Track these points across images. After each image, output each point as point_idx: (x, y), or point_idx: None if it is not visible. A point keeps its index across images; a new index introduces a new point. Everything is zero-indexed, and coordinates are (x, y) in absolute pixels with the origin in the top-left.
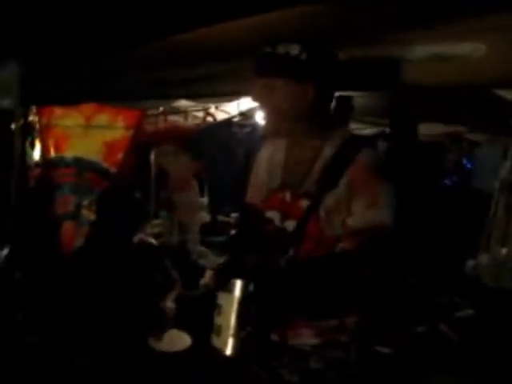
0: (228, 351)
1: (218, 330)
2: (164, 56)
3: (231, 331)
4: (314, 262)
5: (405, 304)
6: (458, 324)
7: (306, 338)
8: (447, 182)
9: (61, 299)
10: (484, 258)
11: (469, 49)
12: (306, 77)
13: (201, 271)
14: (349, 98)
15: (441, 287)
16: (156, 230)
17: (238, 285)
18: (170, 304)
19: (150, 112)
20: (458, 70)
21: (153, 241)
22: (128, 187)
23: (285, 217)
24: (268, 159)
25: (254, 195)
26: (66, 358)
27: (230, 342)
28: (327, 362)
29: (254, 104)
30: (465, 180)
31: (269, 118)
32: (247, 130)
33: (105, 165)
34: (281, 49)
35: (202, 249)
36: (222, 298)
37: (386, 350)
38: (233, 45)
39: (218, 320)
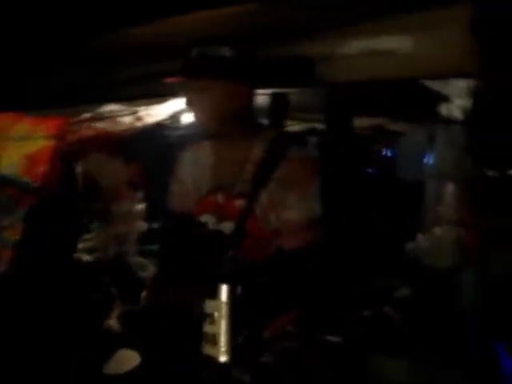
0: (225, 358)
1: (213, 339)
2: (88, 59)
3: (227, 338)
4: (257, 263)
5: (349, 291)
6: (399, 306)
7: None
8: (374, 172)
9: None
10: (421, 240)
11: (396, 43)
12: (240, 77)
13: (142, 284)
14: (284, 95)
15: (381, 272)
16: (88, 245)
17: (226, 290)
18: (112, 323)
19: (75, 119)
20: (386, 64)
21: (86, 257)
22: (55, 202)
23: (220, 219)
24: (193, 164)
25: (180, 202)
26: None
27: (228, 350)
28: (277, 355)
29: (183, 106)
30: (390, 169)
31: (206, 121)
32: (179, 132)
33: (25, 179)
34: (215, 50)
35: (141, 260)
36: (210, 306)
37: (335, 339)
38: (161, 46)
39: (210, 329)
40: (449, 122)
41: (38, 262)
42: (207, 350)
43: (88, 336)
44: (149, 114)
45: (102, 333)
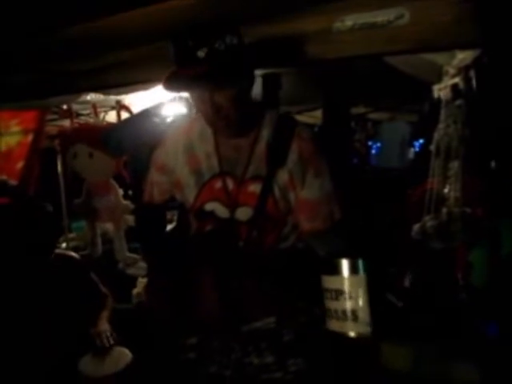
0: (368, 332)
1: (354, 315)
2: (65, 46)
3: (368, 311)
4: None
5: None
6: (401, 292)
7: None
8: (357, 161)
9: None
10: (428, 220)
11: (393, 15)
12: (249, 67)
13: (131, 281)
14: (277, 76)
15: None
16: (73, 245)
17: (347, 264)
18: (104, 327)
19: (53, 110)
20: (382, 37)
21: (73, 254)
22: (34, 200)
23: (232, 205)
24: (186, 151)
25: (176, 192)
26: None
27: (369, 323)
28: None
29: (170, 94)
30: (373, 158)
31: (209, 111)
32: (169, 120)
33: (1, 178)
34: (221, 44)
35: (131, 256)
36: (333, 282)
37: None
38: (139, 31)
39: (335, 305)
40: (447, 98)
41: (18, 264)
42: (333, 326)
43: (80, 336)
44: (133, 103)
45: (91, 338)
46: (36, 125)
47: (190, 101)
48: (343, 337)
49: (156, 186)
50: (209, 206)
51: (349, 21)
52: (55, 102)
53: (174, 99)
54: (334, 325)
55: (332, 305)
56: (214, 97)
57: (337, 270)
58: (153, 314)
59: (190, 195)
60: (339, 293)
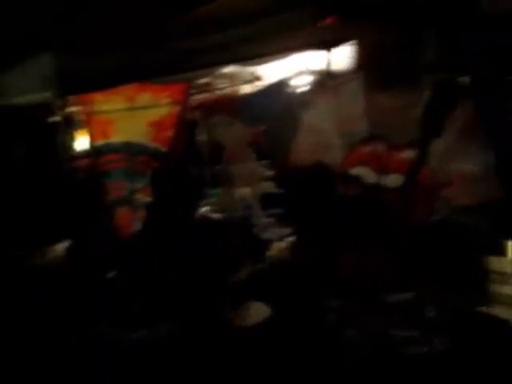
0: None
1: (507, 300)
2: (203, 22)
3: None
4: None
5: None
6: None
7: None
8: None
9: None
10: None
11: None
12: (416, 20)
13: (265, 244)
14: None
15: None
16: (212, 209)
17: None
18: (244, 278)
19: (195, 84)
20: None
21: (214, 216)
22: (182, 165)
23: (382, 171)
24: (333, 111)
25: (317, 154)
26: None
27: None
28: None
29: (307, 62)
30: None
31: (363, 66)
32: (303, 88)
33: (154, 145)
34: None
35: (266, 221)
36: (500, 263)
37: None
38: (266, 4)
39: (501, 289)
40: None
41: (168, 222)
42: (496, 310)
43: (219, 289)
44: (269, 73)
45: (233, 287)
46: (183, 97)
47: (323, 72)
48: (507, 324)
49: (303, 149)
50: (356, 171)
51: None
52: (197, 75)
53: (305, 71)
54: (497, 309)
55: (498, 288)
56: (375, 41)
57: (509, 252)
58: (294, 274)
59: (336, 158)
60: (509, 276)
